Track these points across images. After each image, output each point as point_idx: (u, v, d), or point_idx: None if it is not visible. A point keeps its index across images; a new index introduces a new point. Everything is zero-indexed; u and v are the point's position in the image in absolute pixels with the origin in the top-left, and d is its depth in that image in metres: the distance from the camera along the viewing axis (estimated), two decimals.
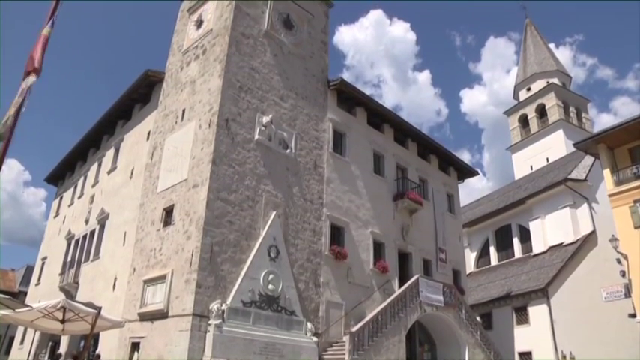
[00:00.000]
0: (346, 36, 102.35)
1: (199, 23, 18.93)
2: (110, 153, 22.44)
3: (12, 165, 78.75)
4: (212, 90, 15.84)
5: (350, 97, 20.22)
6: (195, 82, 17.21)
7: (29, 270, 35.93)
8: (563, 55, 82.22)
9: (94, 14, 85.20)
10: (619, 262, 19.03)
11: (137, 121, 20.83)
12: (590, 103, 46.05)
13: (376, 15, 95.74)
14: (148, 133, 19.15)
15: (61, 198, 28.12)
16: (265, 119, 16.22)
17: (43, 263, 26.27)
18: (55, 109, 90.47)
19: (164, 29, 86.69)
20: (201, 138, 15.33)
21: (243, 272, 13.91)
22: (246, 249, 14.35)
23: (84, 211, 22.85)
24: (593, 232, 25.15)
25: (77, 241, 22.26)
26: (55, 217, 27.93)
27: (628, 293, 18.86)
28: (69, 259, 22.25)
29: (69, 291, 20.45)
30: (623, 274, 18.85)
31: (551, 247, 26.70)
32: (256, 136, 15.84)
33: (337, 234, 17.73)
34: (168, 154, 16.89)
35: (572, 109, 43.30)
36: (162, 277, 14.25)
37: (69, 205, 25.83)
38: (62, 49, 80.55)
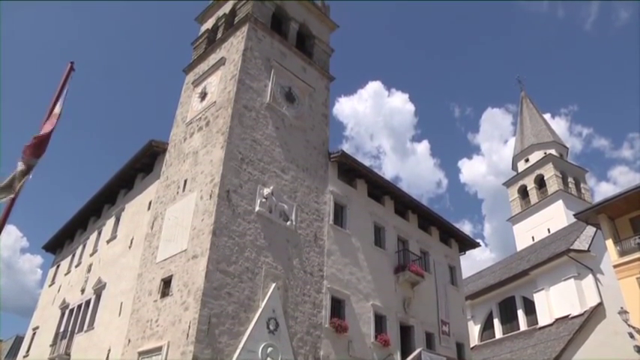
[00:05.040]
0: (346, 107, 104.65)
1: (203, 95, 19.51)
2: (110, 222, 22.40)
3: (10, 231, 78.36)
4: (214, 161, 16.07)
5: (350, 169, 20.47)
6: (197, 153, 17.49)
7: (18, 341, 34.77)
8: (559, 125, 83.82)
9: (97, 83, 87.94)
10: (631, 336, 18.29)
11: (139, 191, 20.97)
12: (587, 173, 46.66)
13: (375, 86, 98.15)
14: (149, 203, 19.20)
15: (58, 266, 27.73)
16: (266, 191, 16.34)
17: (34, 333, 25.47)
18: (57, 176, 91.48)
19: (169, 100, 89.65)
20: (202, 209, 15.38)
21: (241, 345, 13.49)
22: (245, 321, 14.01)
23: (80, 280, 22.50)
24: (600, 304, 24.51)
25: (71, 311, 21.72)
26: (50, 285, 27.42)
27: None
28: (62, 329, 21.62)
29: None
30: (638, 349, 17.90)
31: (557, 320, 25.94)
32: (257, 208, 15.89)
33: (338, 307, 17.36)
34: (169, 224, 16.87)
35: (570, 179, 43.73)
36: (158, 350, 13.81)
37: (65, 274, 25.42)
38: (66, 117, 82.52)
